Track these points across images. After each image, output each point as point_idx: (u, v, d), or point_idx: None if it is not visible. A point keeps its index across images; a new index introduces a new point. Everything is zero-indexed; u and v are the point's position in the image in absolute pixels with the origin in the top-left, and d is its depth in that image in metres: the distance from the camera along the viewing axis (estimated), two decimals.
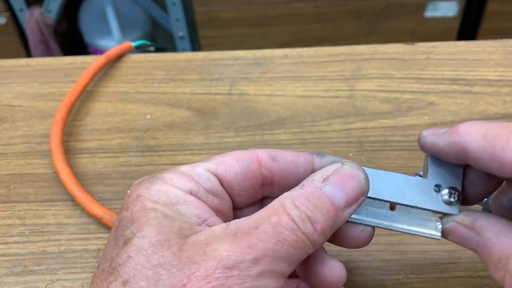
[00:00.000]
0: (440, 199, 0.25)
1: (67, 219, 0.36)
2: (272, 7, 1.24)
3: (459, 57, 0.45)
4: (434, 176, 0.25)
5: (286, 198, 0.22)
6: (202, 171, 0.25)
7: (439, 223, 0.25)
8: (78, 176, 0.38)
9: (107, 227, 0.35)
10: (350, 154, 0.39)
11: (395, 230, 0.25)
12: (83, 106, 0.44)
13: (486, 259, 0.23)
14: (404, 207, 0.25)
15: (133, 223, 0.22)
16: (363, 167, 0.25)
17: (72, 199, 0.37)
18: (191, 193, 0.24)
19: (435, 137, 0.25)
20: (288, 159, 0.26)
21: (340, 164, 0.24)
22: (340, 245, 0.26)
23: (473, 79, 0.44)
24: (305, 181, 0.24)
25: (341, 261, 0.24)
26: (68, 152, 0.40)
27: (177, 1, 1.27)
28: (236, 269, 0.20)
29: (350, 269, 0.32)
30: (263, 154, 0.26)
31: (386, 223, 0.25)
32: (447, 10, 1.24)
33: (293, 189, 0.23)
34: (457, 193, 0.25)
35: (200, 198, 0.24)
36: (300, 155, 0.26)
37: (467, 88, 0.43)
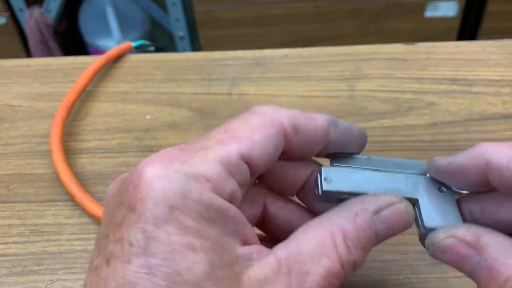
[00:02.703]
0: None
1: (67, 219, 0.36)
2: (272, 7, 1.24)
3: (460, 57, 0.45)
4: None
5: (337, 232, 0.21)
6: (236, 160, 0.20)
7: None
8: (78, 176, 0.38)
9: None
10: None
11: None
12: (83, 106, 0.44)
13: (488, 281, 0.20)
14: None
15: (174, 257, 0.17)
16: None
17: (72, 199, 0.37)
18: (230, 200, 0.19)
19: (451, 157, 0.23)
20: (309, 131, 0.23)
21: (397, 198, 0.22)
22: None
23: (474, 79, 0.44)
24: (358, 207, 0.21)
25: None
26: (68, 152, 0.40)
27: (177, 1, 1.27)
28: None
29: None
30: (286, 123, 0.22)
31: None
32: (447, 10, 1.24)
33: (344, 214, 0.21)
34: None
35: (235, 202, 0.20)
36: (319, 123, 0.23)
37: (467, 88, 0.43)
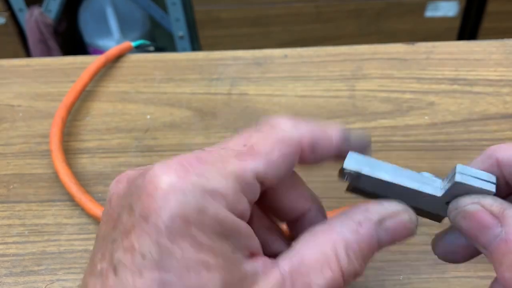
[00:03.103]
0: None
1: (67, 219, 0.36)
2: (272, 7, 1.24)
3: (460, 57, 0.45)
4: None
5: (339, 242, 0.21)
6: (251, 179, 0.20)
7: (441, 182, 0.23)
8: (78, 176, 0.38)
9: None
10: None
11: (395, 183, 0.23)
12: (83, 106, 0.44)
13: (504, 255, 0.20)
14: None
15: (189, 275, 0.17)
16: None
17: (71, 199, 0.37)
18: (241, 217, 0.19)
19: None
20: (324, 149, 0.23)
21: (401, 207, 0.22)
22: None
23: (474, 79, 0.43)
24: (361, 217, 0.21)
25: None
26: (68, 152, 0.40)
27: (177, 1, 1.27)
28: None
29: None
30: (305, 143, 0.22)
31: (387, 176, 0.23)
32: (447, 10, 1.24)
33: (347, 223, 0.21)
34: None
35: (245, 219, 0.20)
36: (333, 141, 0.23)
37: (468, 88, 0.43)
